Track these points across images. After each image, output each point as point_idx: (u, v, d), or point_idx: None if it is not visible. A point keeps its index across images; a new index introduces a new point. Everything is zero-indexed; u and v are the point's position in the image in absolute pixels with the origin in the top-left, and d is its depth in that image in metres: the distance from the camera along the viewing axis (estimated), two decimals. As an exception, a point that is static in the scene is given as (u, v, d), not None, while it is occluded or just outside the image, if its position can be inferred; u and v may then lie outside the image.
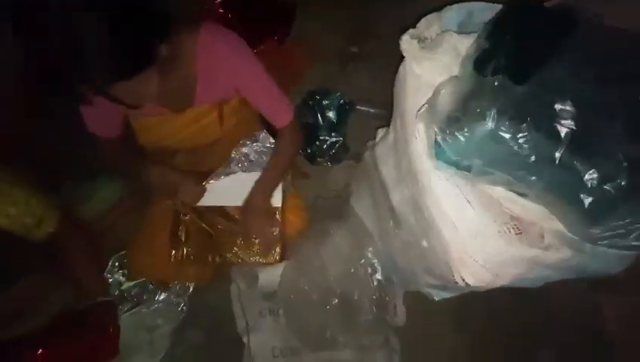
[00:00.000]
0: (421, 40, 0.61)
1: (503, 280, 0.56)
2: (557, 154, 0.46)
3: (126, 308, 1.21)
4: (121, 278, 1.22)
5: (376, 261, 1.05)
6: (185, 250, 0.96)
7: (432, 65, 0.58)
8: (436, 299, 0.81)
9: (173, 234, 0.96)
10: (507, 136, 0.47)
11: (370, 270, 1.05)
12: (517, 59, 0.49)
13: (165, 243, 1.03)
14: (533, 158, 0.47)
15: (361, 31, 1.58)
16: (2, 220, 0.87)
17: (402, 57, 0.63)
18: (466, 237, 0.56)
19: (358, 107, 1.51)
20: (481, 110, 0.47)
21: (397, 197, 0.73)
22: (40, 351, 0.86)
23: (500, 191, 0.54)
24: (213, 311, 1.20)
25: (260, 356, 1.01)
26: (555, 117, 0.46)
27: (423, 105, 0.55)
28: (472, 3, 0.63)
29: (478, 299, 0.90)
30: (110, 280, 1.20)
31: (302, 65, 1.57)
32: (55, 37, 0.56)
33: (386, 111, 1.52)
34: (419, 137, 0.56)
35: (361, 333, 1.01)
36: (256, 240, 0.97)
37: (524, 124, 0.46)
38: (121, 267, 1.23)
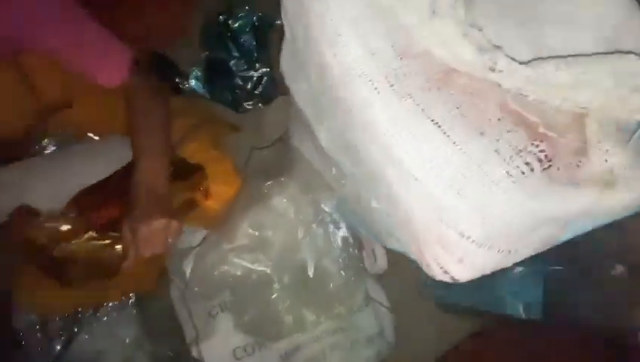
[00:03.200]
0: None
1: (520, 256, 0.31)
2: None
3: (63, 344, 1.00)
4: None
5: (337, 214, 0.83)
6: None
7: None
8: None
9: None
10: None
11: (331, 227, 0.84)
12: None
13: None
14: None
15: None
16: None
17: None
18: (442, 196, 0.27)
19: (278, 22, 1.15)
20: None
21: (324, 136, 0.44)
22: None
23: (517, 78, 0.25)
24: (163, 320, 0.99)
25: (219, 365, 0.83)
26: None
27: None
28: None
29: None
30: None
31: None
32: None
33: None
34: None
35: (334, 302, 0.83)
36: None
37: None
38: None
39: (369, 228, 0.64)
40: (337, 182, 0.60)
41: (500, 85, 0.27)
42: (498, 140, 0.26)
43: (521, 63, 0.26)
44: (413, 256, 0.32)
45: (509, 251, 0.28)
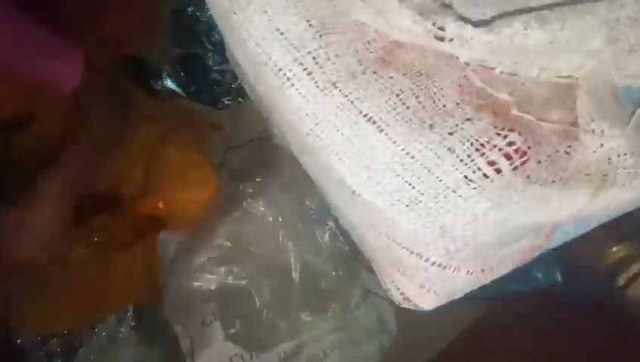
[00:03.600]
0: None
1: (498, 272, 0.25)
2: None
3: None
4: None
5: (324, 210, 0.78)
6: None
7: None
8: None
9: None
10: None
11: (318, 223, 0.79)
12: None
13: None
14: None
15: None
16: None
17: None
18: (388, 211, 0.21)
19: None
20: None
21: (277, 133, 0.39)
22: None
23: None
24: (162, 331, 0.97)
25: (216, 374, 0.80)
26: None
27: None
28: None
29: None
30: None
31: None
32: None
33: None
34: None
35: (329, 301, 0.79)
36: None
37: None
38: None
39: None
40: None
41: (458, 58, 0.20)
42: (452, 134, 0.19)
43: (479, 25, 0.20)
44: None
45: (482, 270, 0.22)
